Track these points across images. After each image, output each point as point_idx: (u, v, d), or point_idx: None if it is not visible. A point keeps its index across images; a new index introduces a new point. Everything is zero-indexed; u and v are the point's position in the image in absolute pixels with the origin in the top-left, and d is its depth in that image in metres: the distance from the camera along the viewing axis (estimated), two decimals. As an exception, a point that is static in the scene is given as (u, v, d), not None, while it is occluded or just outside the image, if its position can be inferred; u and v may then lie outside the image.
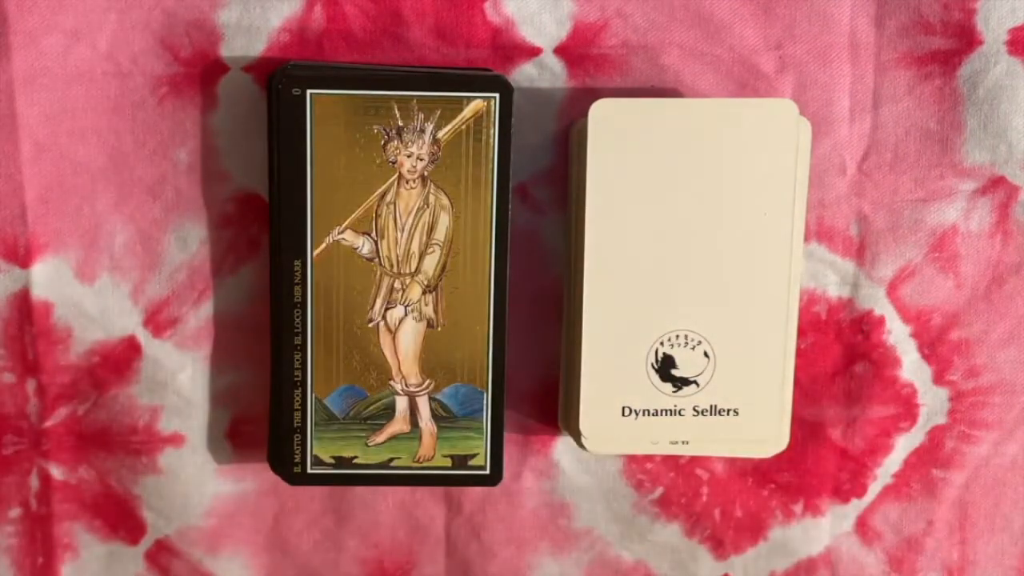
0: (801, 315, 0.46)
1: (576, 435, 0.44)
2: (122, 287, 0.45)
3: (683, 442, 0.44)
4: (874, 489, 0.49)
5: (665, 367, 0.43)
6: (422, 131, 0.42)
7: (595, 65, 0.44)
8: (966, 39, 0.44)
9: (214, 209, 0.45)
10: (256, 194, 0.45)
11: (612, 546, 0.49)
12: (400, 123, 0.42)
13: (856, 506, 0.49)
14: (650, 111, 0.42)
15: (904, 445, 0.48)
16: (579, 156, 0.43)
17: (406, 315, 0.44)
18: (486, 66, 0.44)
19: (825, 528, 0.49)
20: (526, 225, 0.45)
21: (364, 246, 0.43)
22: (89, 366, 0.46)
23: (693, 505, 0.48)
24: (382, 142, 0.42)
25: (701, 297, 0.43)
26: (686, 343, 0.43)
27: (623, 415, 0.44)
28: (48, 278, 0.45)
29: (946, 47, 0.45)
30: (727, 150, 0.42)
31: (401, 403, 0.44)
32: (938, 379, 0.48)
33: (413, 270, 0.43)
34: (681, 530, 0.49)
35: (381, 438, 0.45)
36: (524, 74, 0.44)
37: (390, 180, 0.43)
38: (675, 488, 0.48)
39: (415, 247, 0.43)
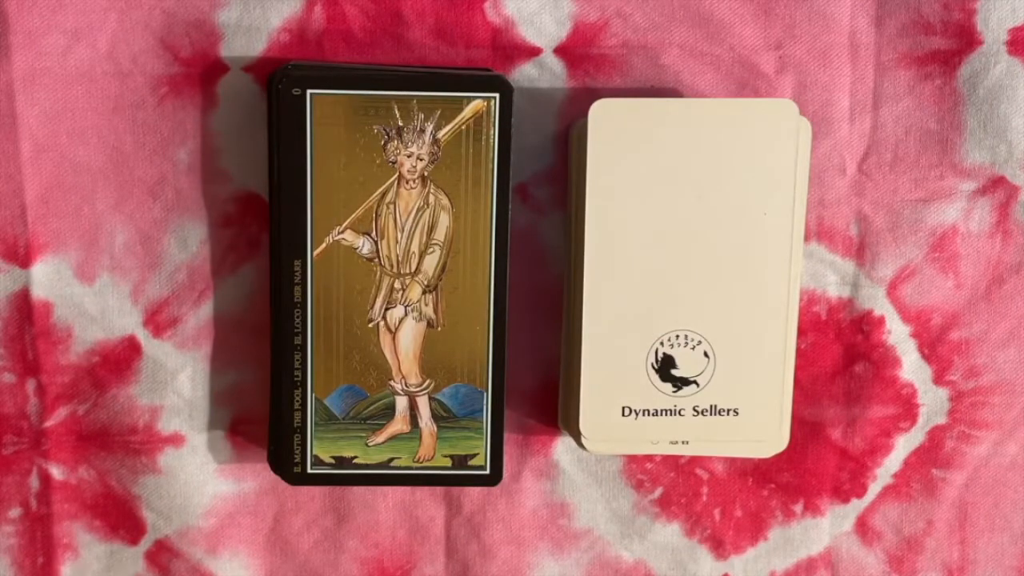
0: (801, 315, 0.46)
1: (576, 435, 0.44)
2: (122, 287, 0.45)
3: (683, 442, 0.44)
4: (874, 489, 0.49)
5: (665, 367, 0.43)
6: (422, 131, 0.42)
7: (595, 65, 0.44)
8: (966, 39, 0.44)
9: (214, 209, 0.45)
10: (256, 194, 0.45)
11: (612, 546, 0.49)
12: (400, 123, 0.42)
13: (856, 506, 0.49)
14: (650, 111, 0.42)
15: (904, 445, 0.48)
16: (579, 156, 0.43)
17: (406, 315, 0.44)
18: (486, 66, 0.44)
19: (825, 528, 0.49)
20: (526, 225, 0.45)
21: (364, 246, 0.43)
22: (89, 366, 0.46)
23: (693, 505, 0.48)
24: (382, 142, 0.42)
25: (701, 297, 0.43)
26: (686, 343, 0.43)
27: (623, 415, 0.44)
28: (48, 278, 0.45)
29: (946, 47, 0.45)
30: (727, 150, 0.42)
31: (401, 403, 0.44)
32: (938, 379, 0.48)
33: (413, 270, 0.43)
34: (681, 530, 0.49)
35: (381, 438, 0.45)
36: (524, 74, 0.44)
37: (390, 180, 0.43)
38: (675, 488, 0.48)
39: (415, 247, 0.43)
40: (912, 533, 0.49)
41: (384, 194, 0.43)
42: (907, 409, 0.48)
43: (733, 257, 0.43)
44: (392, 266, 0.43)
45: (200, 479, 0.47)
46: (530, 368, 0.47)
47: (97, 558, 0.48)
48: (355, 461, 0.45)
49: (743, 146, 0.42)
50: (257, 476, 0.47)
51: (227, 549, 0.48)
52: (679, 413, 0.44)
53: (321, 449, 0.44)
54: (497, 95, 0.42)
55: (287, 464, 0.44)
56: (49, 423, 0.46)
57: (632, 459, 0.48)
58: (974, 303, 0.47)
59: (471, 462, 0.45)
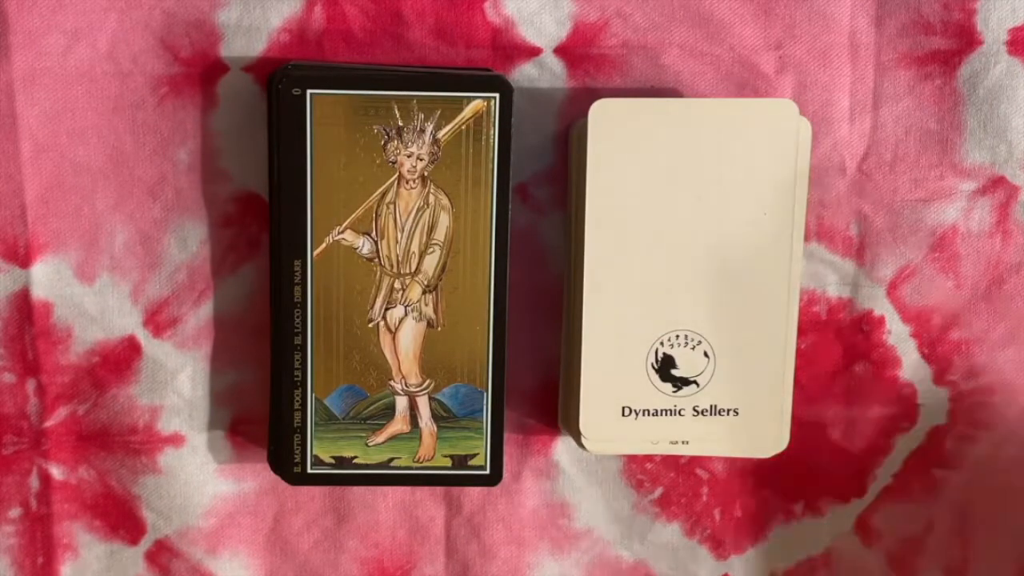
0: (801, 315, 0.46)
1: (576, 435, 0.44)
2: (122, 287, 0.45)
3: (683, 442, 0.44)
4: (874, 489, 0.49)
5: (665, 367, 0.43)
6: (422, 131, 0.42)
7: (595, 65, 0.44)
8: (966, 39, 0.44)
9: (214, 209, 0.45)
10: (256, 194, 0.45)
11: (612, 546, 0.49)
12: (400, 123, 0.42)
13: (856, 506, 0.49)
14: (650, 111, 0.42)
15: (904, 445, 0.48)
16: (579, 156, 0.43)
17: (406, 315, 0.44)
18: (486, 66, 0.44)
19: (825, 528, 0.49)
20: (526, 225, 0.45)
21: (364, 246, 0.43)
22: (89, 366, 0.46)
23: (693, 505, 0.48)
24: (382, 142, 0.42)
25: (701, 297, 0.43)
26: (686, 343, 0.43)
27: (623, 415, 0.44)
28: (48, 278, 0.45)
29: (946, 47, 0.45)
30: (727, 150, 0.42)
31: (401, 403, 0.44)
32: (938, 379, 0.48)
33: (413, 270, 0.43)
34: (681, 530, 0.49)
35: (381, 438, 0.45)
36: (524, 74, 0.44)
37: (390, 180, 0.43)
38: (675, 488, 0.48)
39: (415, 247, 0.43)
40: (912, 533, 0.49)
41: (384, 194, 0.43)
42: (907, 409, 0.48)
43: (733, 257, 0.43)
44: (392, 266, 0.43)
45: (200, 479, 0.47)
46: (530, 368, 0.47)
47: (97, 558, 0.48)
48: (355, 461, 0.45)
49: (743, 146, 0.42)
50: (257, 476, 0.47)
51: (227, 549, 0.48)
52: (679, 413, 0.44)
53: (321, 449, 0.44)
54: (497, 95, 0.42)
55: (287, 464, 0.44)
56: (49, 423, 0.46)
57: (632, 459, 0.48)
58: (974, 303, 0.47)
59: (471, 462, 0.45)
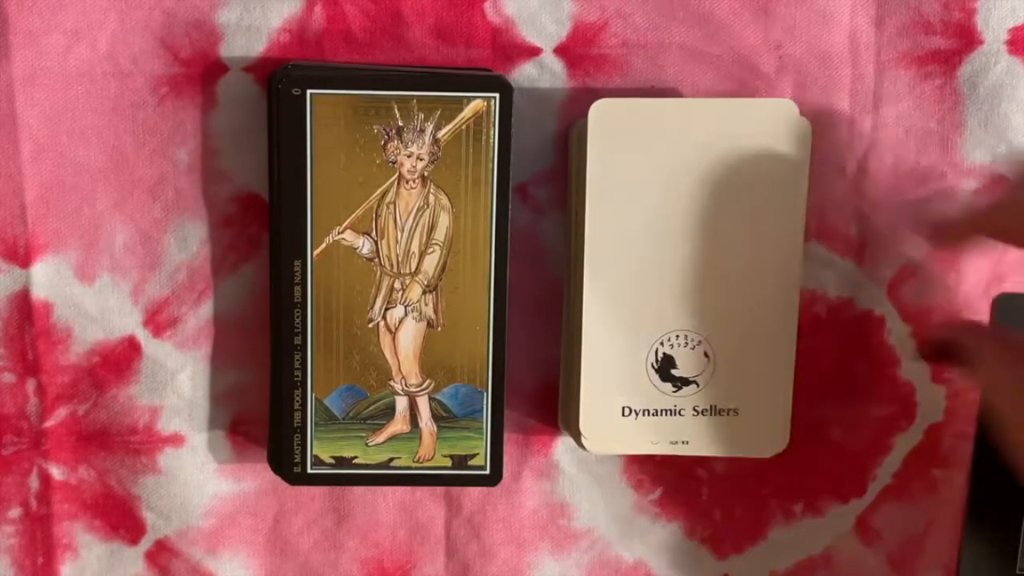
0: (801, 315, 0.46)
1: (576, 435, 0.44)
2: (122, 287, 0.45)
3: (683, 442, 0.44)
4: (874, 489, 0.49)
5: (665, 367, 0.43)
6: (422, 131, 0.42)
7: (595, 65, 0.44)
8: (966, 39, 0.44)
9: (214, 209, 0.45)
10: (256, 194, 0.45)
11: (612, 546, 0.49)
12: (400, 123, 0.42)
13: (856, 506, 0.49)
14: (650, 111, 0.42)
15: (903, 444, 0.48)
16: (579, 156, 0.43)
17: (406, 315, 0.44)
18: (486, 66, 0.44)
19: (825, 528, 0.49)
20: (526, 225, 0.45)
21: (364, 246, 0.43)
22: (89, 366, 0.46)
23: (693, 505, 0.48)
24: (382, 142, 0.42)
25: (701, 297, 0.43)
26: (686, 343, 0.43)
27: (623, 415, 0.44)
28: (48, 278, 0.45)
29: (946, 47, 0.45)
30: (727, 150, 0.42)
31: (401, 403, 0.44)
32: (936, 377, 0.48)
33: (413, 270, 0.43)
34: (681, 530, 0.49)
35: (381, 438, 0.45)
36: (524, 74, 0.44)
37: (390, 180, 0.43)
38: (675, 488, 0.48)
39: (415, 247, 0.43)
40: (912, 533, 0.49)
41: (384, 194, 0.43)
42: (906, 408, 0.48)
43: (733, 257, 0.43)
44: (392, 266, 0.43)
45: (200, 479, 0.47)
46: (530, 368, 0.47)
47: (97, 558, 0.48)
48: (355, 461, 0.45)
49: (743, 146, 0.42)
50: (257, 476, 0.47)
51: (227, 549, 0.48)
52: (679, 413, 0.44)
53: (321, 449, 0.44)
54: (497, 95, 0.42)
55: (287, 464, 0.44)
56: (49, 423, 0.46)
57: (632, 459, 0.48)
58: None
59: (471, 462, 0.45)
